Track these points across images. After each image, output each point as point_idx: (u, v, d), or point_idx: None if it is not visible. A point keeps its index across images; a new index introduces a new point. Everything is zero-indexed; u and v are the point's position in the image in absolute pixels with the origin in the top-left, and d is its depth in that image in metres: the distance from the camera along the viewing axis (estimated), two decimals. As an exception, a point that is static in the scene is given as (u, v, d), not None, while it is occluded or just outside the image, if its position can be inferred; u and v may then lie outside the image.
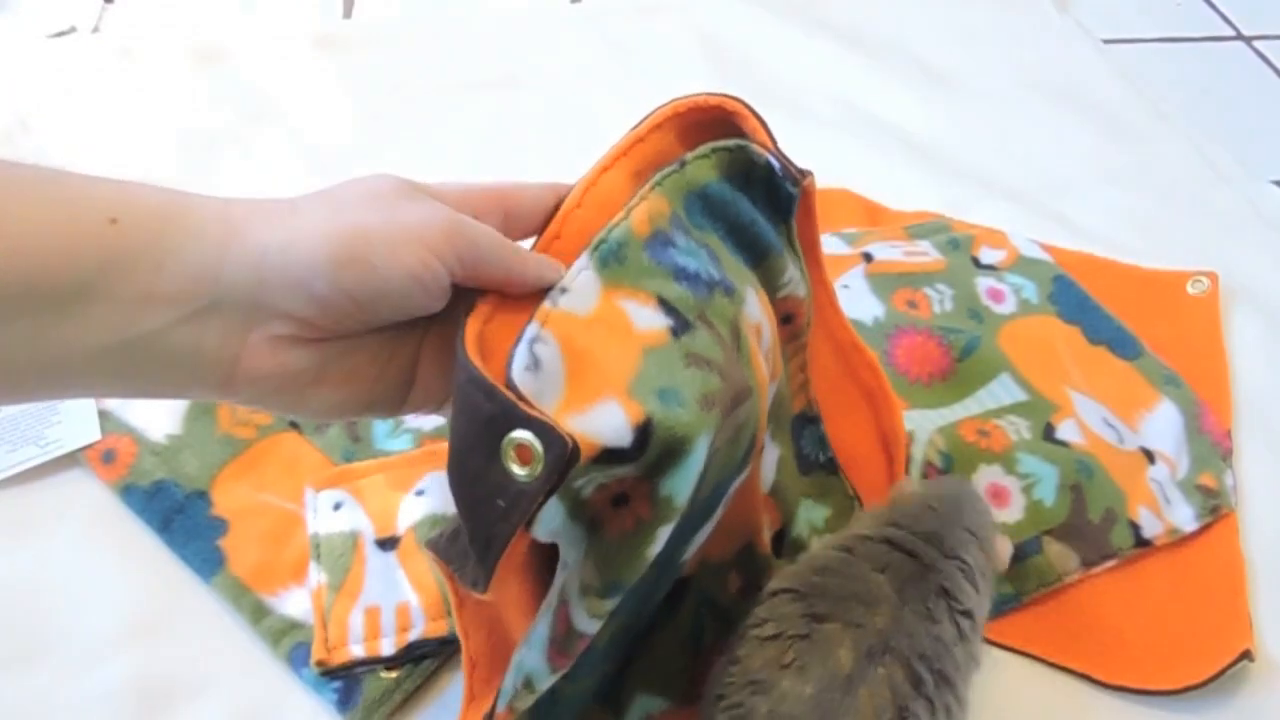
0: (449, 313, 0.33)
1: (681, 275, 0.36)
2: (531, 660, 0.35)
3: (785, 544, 0.49)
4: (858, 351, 0.53)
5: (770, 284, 0.44)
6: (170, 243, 0.28)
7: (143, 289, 0.28)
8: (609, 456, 0.31)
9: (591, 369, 0.32)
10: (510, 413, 0.29)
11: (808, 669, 0.37)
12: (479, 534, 0.30)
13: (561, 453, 0.29)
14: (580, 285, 0.34)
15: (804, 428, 0.51)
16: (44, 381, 0.28)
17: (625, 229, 0.35)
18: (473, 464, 0.30)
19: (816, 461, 0.51)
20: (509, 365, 0.31)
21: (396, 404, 0.35)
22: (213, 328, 0.29)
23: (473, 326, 0.32)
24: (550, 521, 0.32)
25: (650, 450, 0.32)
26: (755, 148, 0.42)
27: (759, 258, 0.43)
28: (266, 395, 0.31)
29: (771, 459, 0.47)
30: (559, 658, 0.35)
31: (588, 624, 0.34)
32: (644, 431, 0.32)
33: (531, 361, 0.31)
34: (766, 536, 0.47)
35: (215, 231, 0.29)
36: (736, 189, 0.41)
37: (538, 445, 0.29)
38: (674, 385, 0.33)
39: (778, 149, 0.42)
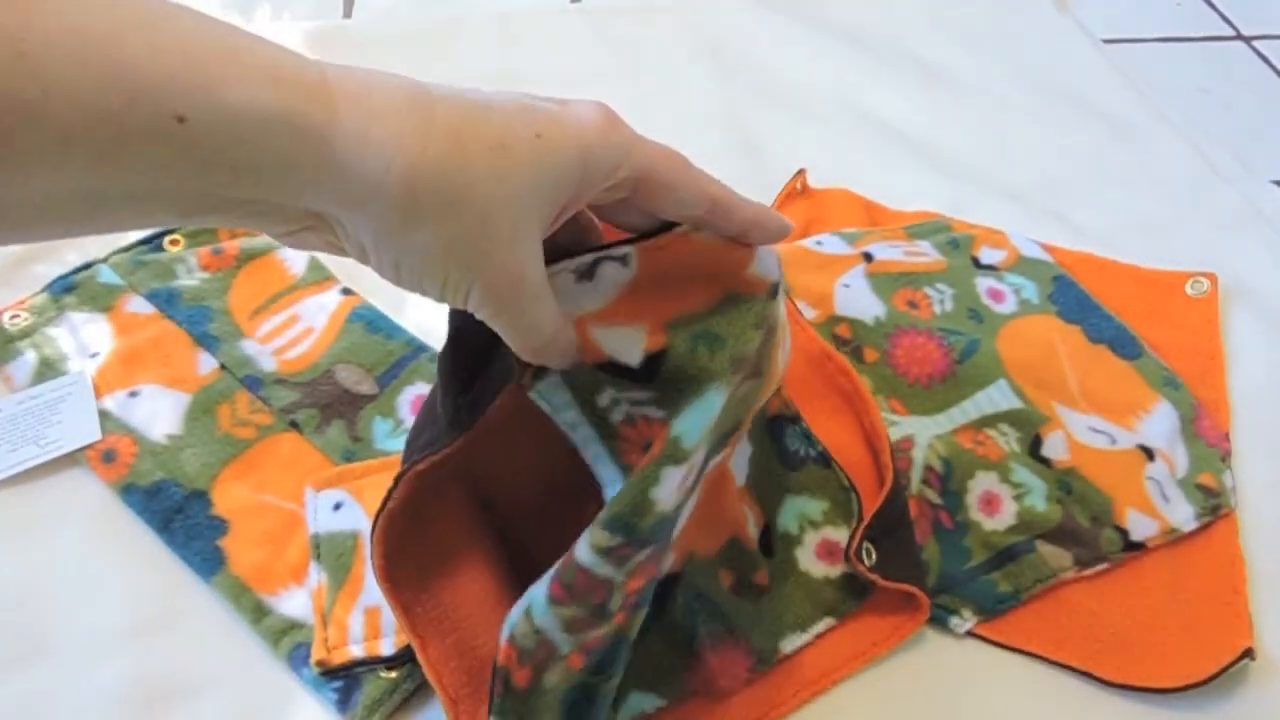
0: None
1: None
2: (537, 590, 0.37)
3: (774, 539, 0.50)
4: (830, 359, 0.54)
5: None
6: (246, 161, 0.24)
7: (208, 199, 0.25)
8: (617, 370, 0.36)
9: (647, 299, 0.36)
10: None
11: None
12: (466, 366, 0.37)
13: None
14: None
15: (785, 427, 0.52)
16: (99, 228, 0.26)
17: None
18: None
19: (807, 456, 0.51)
20: (552, 261, 0.34)
21: None
22: (272, 224, 0.28)
23: None
24: (561, 406, 0.37)
25: (663, 381, 0.36)
26: None
27: None
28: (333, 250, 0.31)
29: (744, 456, 0.48)
30: (556, 587, 0.36)
31: (585, 553, 0.35)
32: (654, 360, 0.36)
33: (585, 271, 0.36)
34: (750, 531, 0.48)
35: (308, 155, 0.25)
36: None
37: None
38: (723, 335, 0.36)
39: None
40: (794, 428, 0.52)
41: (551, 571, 0.36)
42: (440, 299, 0.31)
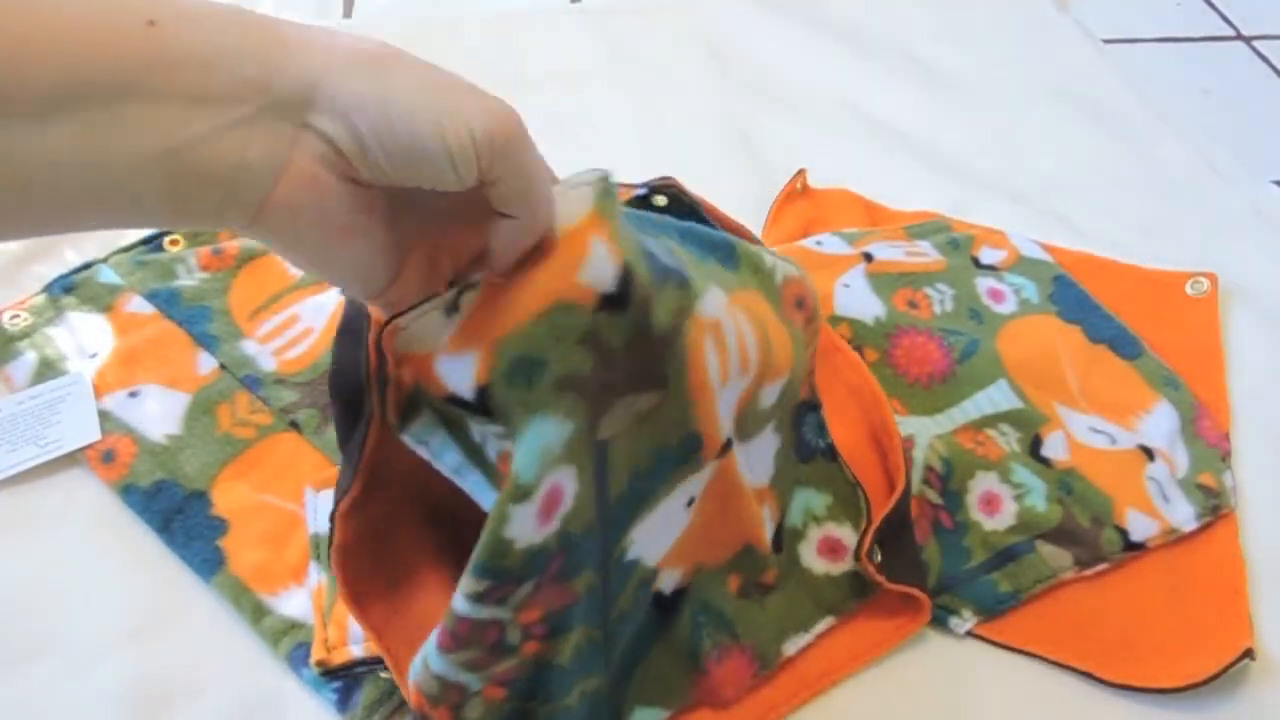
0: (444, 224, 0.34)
1: (647, 253, 0.36)
2: (431, 639, 0.37)
3: (782, 535, 0.49)
4: (839, 352, 0.54)
5: (761, 273, 0.44)
6: (215, 45, 0.28)
7: (190, 89, 0.27)
8: (463, 404, 0.34)
9: (483, 316, 0.34)
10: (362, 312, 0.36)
11: None
12: (353, 397, 0.36)
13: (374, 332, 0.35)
14: (573, 197, 0.34)
15: (806, 414, 0.50)
16: (89, 196, 0.27)
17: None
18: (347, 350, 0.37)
19: (817, 448, 0.50)
20: (416, 305, 0.34)
21: (376, 288, 0.34)
22: (258, 138, 0.29)
23: None
24: (440, 449, 0.36)
25: (498, 413, 0.34)
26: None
27: (729, 251, 0.44)
28: (293, 235, 0.31)
29: (769, 452, 0.47)
30: (444, 636, 0.36)
31: (460, 602, 0.35)
32: (484, 393, 0.34)
33: (452, 305, 0.34)
34: (766, 534, 0.47)
35: (262, 41, 0.28)
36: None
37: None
38: (545, 357, 0.33)
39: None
40: (813, 416, 0.51)
41: (442, 622, 0.36)
42: (447, 153, 0.30)
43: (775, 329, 0.44)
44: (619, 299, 0.34)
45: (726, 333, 0.40)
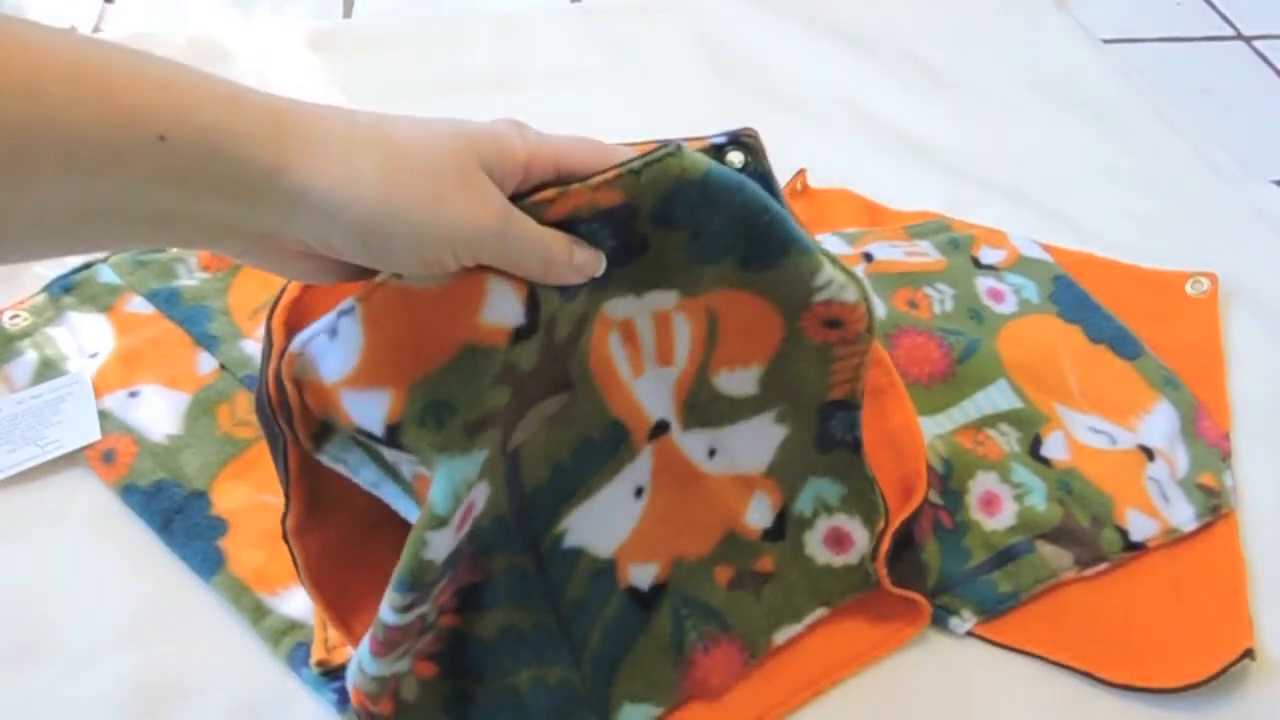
0: None
1: None
2: (363, 647, 0.38)
3: (787, 521, 0.49)
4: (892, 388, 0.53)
5: (797, 284, 0.42)
6: (216, 168, 0.28)
7: (184, 207, 0.28)
8: (373, 438, 0.35)
9: (385, 355, 0.34)
10: (268, 358, 0.36)
11: None
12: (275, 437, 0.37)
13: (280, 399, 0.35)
14: None
15: (837, 411, 0.48)
16: (80, 244, 0.29)
17: (538, 210, 0.34)
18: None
19: (841, 440, 0.49)
20: (307, 327, 0.35)
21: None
22: (232, 236, 0.31)
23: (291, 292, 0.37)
24: (357, 464, 0.37)
25: (409, 450, 0.35)
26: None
27: (775, 254, 0.41)
28: (278, 270, 0.33)
29: (770, 441, 0.47)
30: (375, 644, 0.38)
31: (388, 614, 0.37)
32: (394, 431, 0.35)
33: (331, 329, 0.34)
34: (749, 519, 0.48)
35: (263, 159, 0.29)
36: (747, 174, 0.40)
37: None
38: (455, 401, 0.35)
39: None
40: (847, 415, 0.48)
41: (373, 628, 0.38)
42: (454, 259, 0.32)
43: (745, 319, 0.43)
44: (529, 328, 0.35)
45: (640, 330, 0.41)
